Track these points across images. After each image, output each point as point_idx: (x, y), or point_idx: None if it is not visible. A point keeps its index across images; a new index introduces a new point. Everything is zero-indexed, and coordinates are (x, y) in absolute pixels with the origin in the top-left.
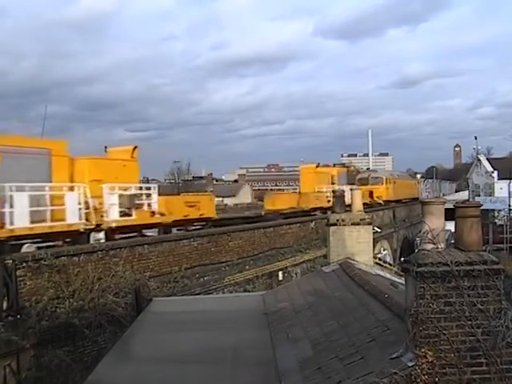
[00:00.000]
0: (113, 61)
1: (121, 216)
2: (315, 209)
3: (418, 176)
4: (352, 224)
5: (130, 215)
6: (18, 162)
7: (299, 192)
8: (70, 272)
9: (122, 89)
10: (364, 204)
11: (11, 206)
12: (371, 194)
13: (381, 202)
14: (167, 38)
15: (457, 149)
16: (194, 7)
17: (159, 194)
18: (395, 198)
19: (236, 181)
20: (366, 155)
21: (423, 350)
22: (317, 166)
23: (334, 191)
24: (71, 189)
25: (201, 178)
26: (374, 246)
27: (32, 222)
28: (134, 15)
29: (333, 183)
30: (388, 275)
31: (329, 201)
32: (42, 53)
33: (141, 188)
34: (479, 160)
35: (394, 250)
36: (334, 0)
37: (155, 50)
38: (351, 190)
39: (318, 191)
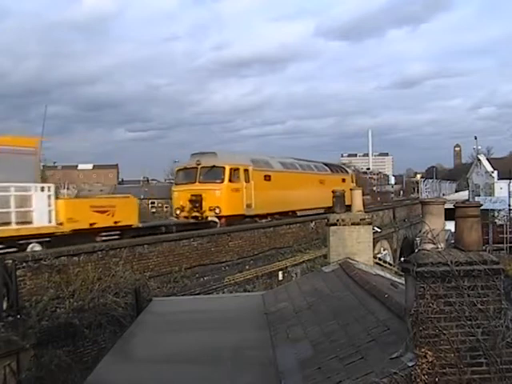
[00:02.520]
0: (114, 61)
1: None
2: None
3: (418, 176)
4: (352, 224)
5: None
6: None
7: None
8: (70, 272)
9: (123, 89)
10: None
11: None
12: (199, 202)
13: (214, 219)
14: (169, 39)
15: (457, 149)
16: (196, 8)
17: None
18: (264, 209)
19: None
20: (366, 155)
21: (423, 349)
22: None
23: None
24: None
25: None
26: (374, 246)
27: None
28: (136, 16)
29: None
30: (388, 275)
31: None
32: (45, 53)
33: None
34: (479, 160)
35: (394, 250)
36: (336, 1)
37: (157, 51)
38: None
39: None
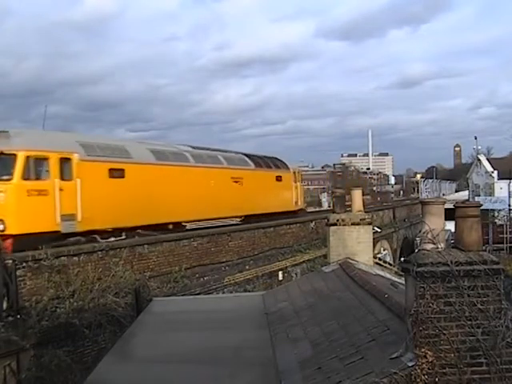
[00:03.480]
0: (115, 61)
1: None
2: None
3: (418, 176)
4: (352, 224)
5: None
6: None
7: None
8: (70, 272)
9: (124, 89)
10: None
11: None
12: None
13: None
14: (170, 39)
15: (457, 149)
16: (196, 8)
17: None
18: (109, 222)
19: None
20: (366, 155)
21: (423, 349)
22: None
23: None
24: None
25: None
26: (374, 246)
27: None
28: (136, 17)
29: None
30: (388, 275)
31: None
32: (45, 53)
33: None
34: (479, 160)
35: (394, 250)
36: (336, 1)
37: (157, 51)
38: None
39: None
